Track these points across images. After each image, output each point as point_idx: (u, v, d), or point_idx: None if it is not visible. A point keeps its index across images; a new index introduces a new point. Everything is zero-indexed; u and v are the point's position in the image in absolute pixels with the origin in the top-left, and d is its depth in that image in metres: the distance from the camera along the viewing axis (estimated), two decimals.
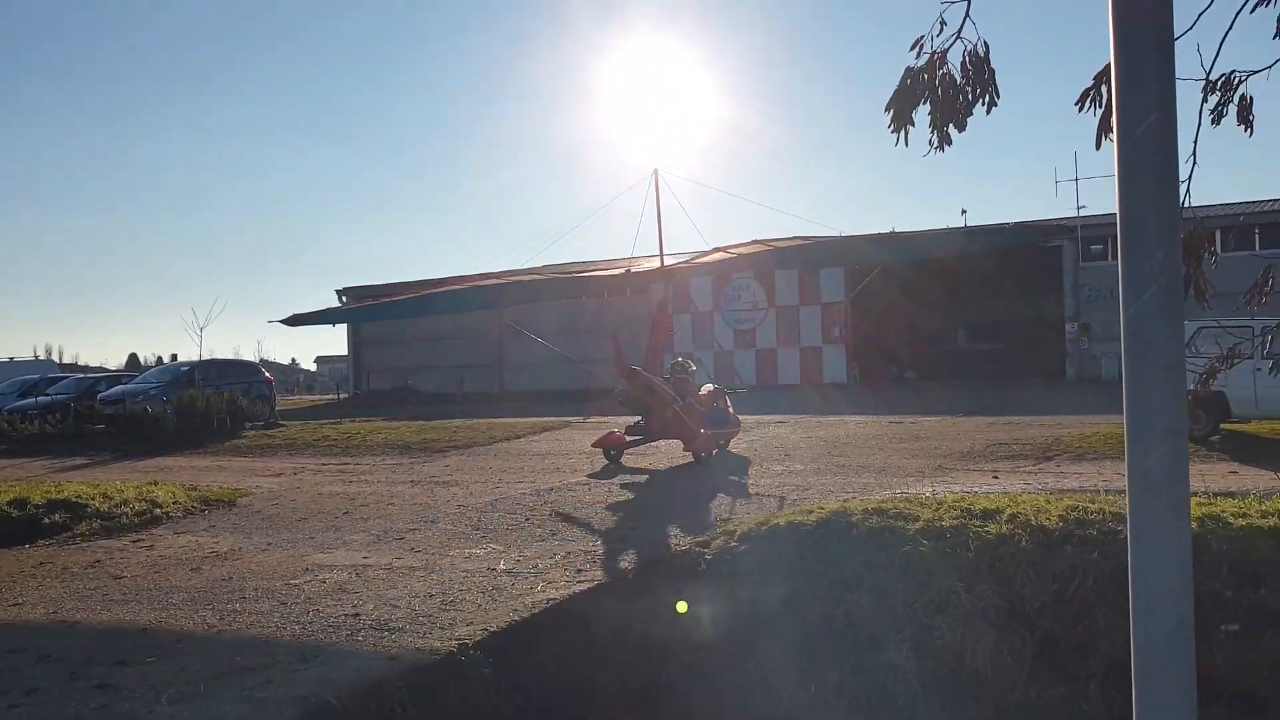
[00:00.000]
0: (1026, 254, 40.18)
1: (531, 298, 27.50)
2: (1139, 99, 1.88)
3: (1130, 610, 1.95)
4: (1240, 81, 4.58)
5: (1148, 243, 1.91)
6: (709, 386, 19.62)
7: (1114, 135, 4.22)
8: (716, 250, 22.78)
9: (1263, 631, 7.67)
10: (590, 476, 16.51)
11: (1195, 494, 9.01)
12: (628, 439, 18.53)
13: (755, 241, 22.23)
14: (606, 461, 18.21)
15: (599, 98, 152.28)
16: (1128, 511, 1.94)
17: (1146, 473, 1.85)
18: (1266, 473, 12.23)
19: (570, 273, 30.11)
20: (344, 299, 57.30)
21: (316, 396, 62.99)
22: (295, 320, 24.50)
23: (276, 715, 6.17)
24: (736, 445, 19.33)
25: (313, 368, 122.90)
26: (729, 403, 19.52)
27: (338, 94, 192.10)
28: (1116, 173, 1.95)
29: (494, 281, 27.08)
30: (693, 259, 22.57)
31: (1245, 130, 4.64)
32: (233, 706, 6.35)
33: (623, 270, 23.36)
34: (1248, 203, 42.38)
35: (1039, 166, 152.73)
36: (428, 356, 53.49)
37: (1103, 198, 41.80)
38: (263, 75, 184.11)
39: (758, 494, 13.88)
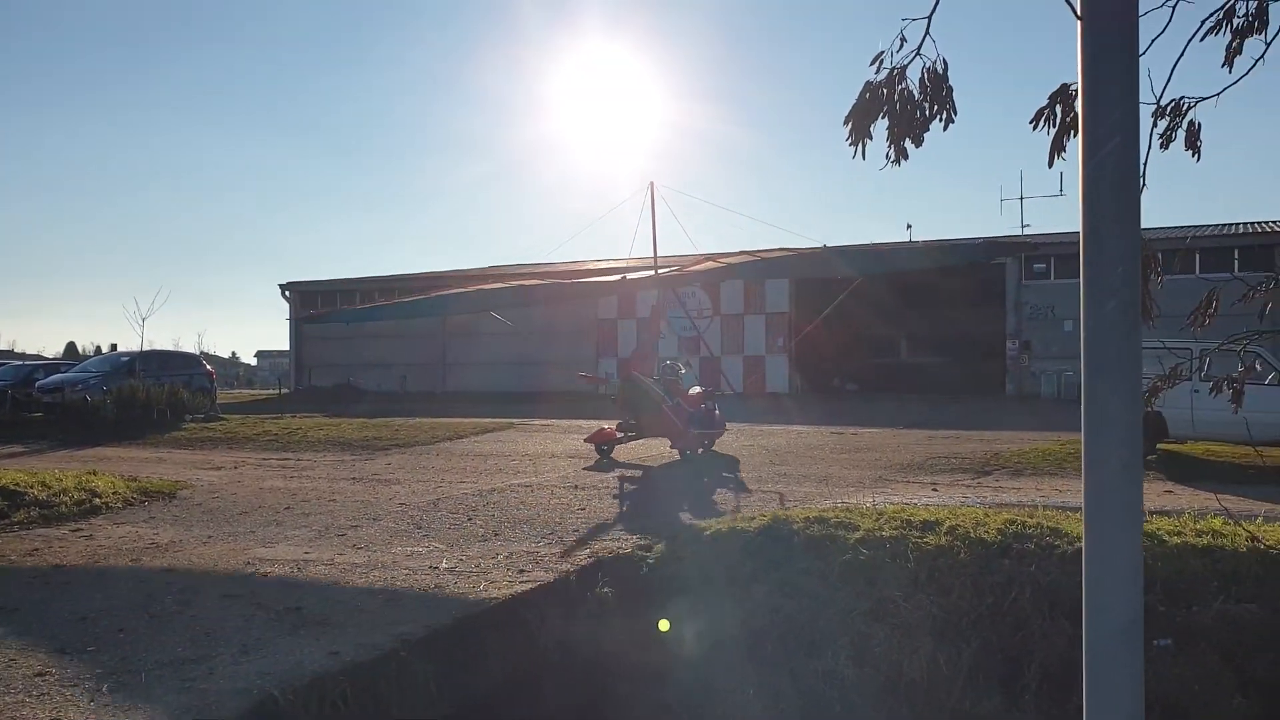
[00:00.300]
0: (970, 270, 40.59)
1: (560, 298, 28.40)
2: (1104, 123, 1.97)
3: (1083, 608, 2.03)
4: (1189, 108, 4.69)
5: (1109, 258, 1.99)
6: (697, 389, 20.41)
7: (1065, 154, 4.34)
8: (707, 259, 23.33)
9: (1194, 646, 7.85)
10: (535, 478, 16.53)
11: None
12: (619, 435, 19.86)
13: (744, 252, 22.85)
14: (597, 458, 19.20)
15: (549, 100, 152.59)
16: (1083, 513, 2.02)
17: (1103, 477, 1.93)
18: (1201, 493, 12.49)
19: (548, 275, 30.37)
20: (287, 294, 56.85)
21: (257, 391, 62.43)
22: (311, 318, 25.78)
23: (219, 706, 6.14)
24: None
25: (253, 362, 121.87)
26: (716, 405, 20.27)
27: (283, 87, 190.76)
28: (1080, 191, 2.03)
29: (490, 285, 27.68)
30: (684, 268, 23.01)
31: (1193, 156, 4.76)
32: (175, 697, 6.31)
33: (618, 277, 24.07)
34: (1190, 226, 43.20)
35: (984, 184, 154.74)
36: (370, 354, 53.14)
37: (1046, 216, 42.47)
38: (208, 63, 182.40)
39: (715, 499, 13.98)
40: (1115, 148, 1.94)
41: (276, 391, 49.70)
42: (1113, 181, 1.98)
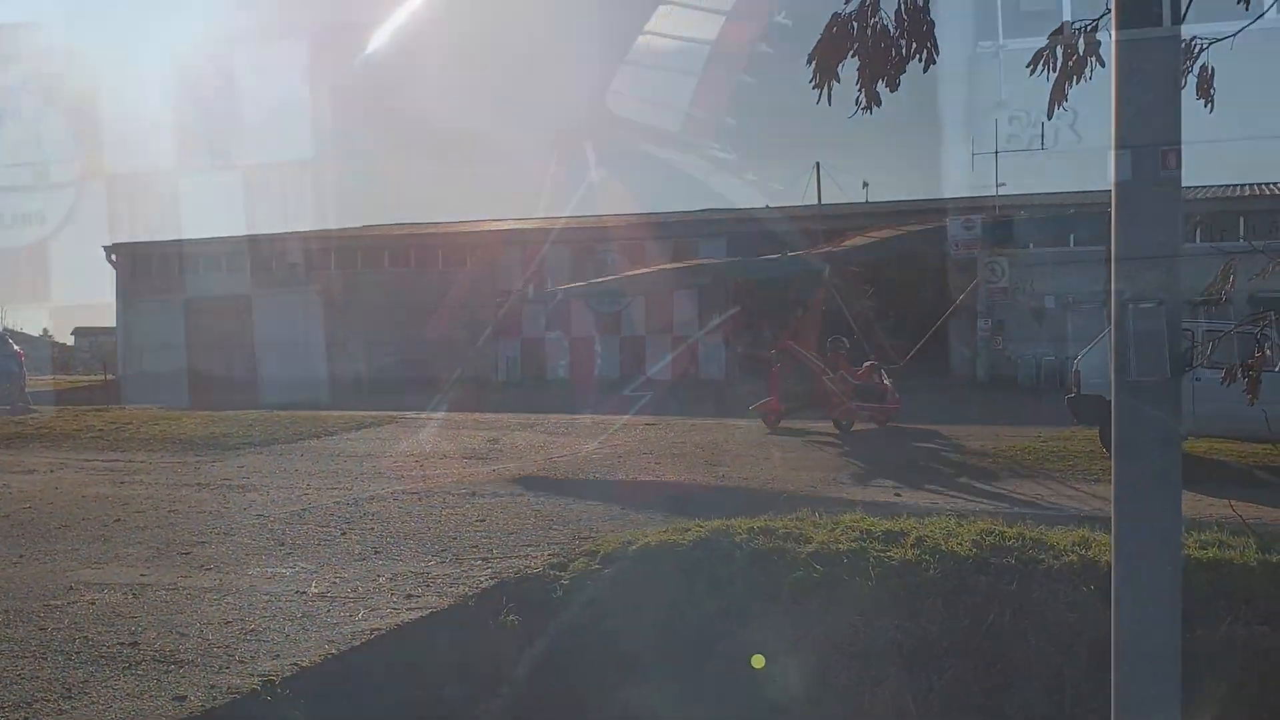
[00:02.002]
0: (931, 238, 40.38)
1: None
2: (1146, 68, 2.00)
3: (1112, 618, 2.08)
4: (1201, 50, 4.71)
5: (1144, 223, 2.04)
6: (867, 364, 23.83)
7: (1065, 104, 4.39)
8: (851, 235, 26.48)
9: (1198, 675, 8.01)
10: (424, 483, 16.45)
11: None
12: (783, 407, 23.50)
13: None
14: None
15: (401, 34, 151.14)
16: (1113, 507, 2.07)
17: (1138, 477, 1.98)
18: (1204, 497, 12.66)
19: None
20: (113, 258, 55.87)
21: (76, 377, 61.25)
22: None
23: None
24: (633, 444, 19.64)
25: (70, 341, 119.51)
26: (885, 378, 23.41)
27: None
28: (1114, 147, 2.06)
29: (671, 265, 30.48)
30: (838, 242, 26.44)
31: (1205, 105, 4.79)
32: None
33: (779, 255, 28.30)
34: (1190, 188, 43.62)
35: (946, 136, 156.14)
36: (217, 332, 52.35)
37: (1020, 173, 42.37)
38: None
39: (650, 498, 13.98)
40: (1157, 99, 1.98)
41: (102, 377, 48.82)
42: (1153, 136, 2.02)
